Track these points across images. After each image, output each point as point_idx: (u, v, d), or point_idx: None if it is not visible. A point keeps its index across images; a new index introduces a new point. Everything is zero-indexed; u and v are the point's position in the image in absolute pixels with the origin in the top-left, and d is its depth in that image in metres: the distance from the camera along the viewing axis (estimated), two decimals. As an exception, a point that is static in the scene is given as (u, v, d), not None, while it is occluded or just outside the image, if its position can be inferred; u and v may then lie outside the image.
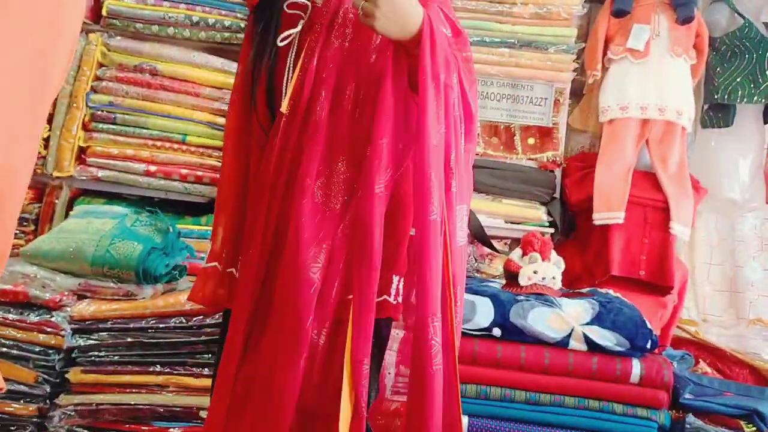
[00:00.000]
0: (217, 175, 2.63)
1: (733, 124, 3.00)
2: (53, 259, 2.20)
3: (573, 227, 2.97)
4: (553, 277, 2.38)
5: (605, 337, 2.14)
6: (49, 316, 2.09)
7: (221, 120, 2.65)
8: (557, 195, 2.88)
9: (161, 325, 2.09)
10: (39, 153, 2.61)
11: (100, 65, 2.67)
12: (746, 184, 3.10)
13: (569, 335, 2.15)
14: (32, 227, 2.61)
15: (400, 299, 1.47)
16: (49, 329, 2.07)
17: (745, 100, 2.94)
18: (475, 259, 2.79)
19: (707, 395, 2.27)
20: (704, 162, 3.08)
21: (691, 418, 2.16)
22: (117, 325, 2.09)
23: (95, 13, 2.69)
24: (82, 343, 2.07)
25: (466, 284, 2.35)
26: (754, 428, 2.20)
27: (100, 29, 2.68)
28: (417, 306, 1.36)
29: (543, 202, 2.84)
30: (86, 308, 2.10)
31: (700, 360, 2.71)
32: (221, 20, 2.64)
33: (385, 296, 1.44)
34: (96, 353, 2.08)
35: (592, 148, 3.04)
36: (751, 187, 3.12)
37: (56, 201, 2.62)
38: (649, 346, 2.16)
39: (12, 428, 2.05)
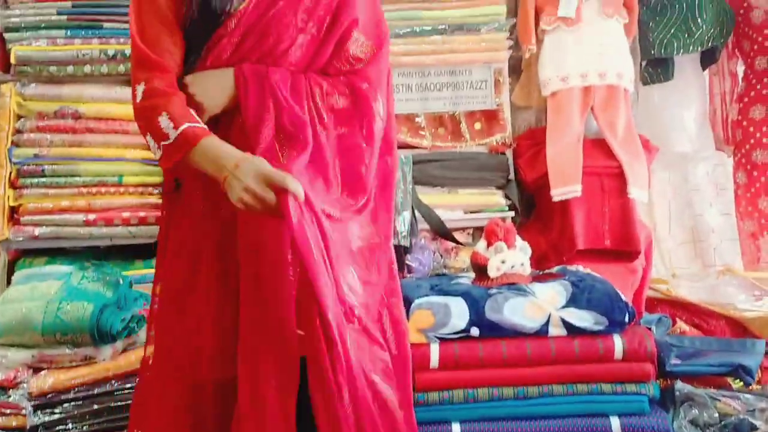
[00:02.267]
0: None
1: (674, 77, 2.99)
2: (1, 334, 2.07)
3: (533, 206, 2.94)
4: (522, 264, 2.34)
5: (583, 318, 2.11)
6: (6, 396, 1.97)
7: (156, 154, 2.52)
8: (512, 176, 2.83)
9: (127, 386, 1.98)
10: (-32, 220, 2.46)
11: (18, 117, 2.52)
12: (694, 134, 3.11)
13: (547, 322, 2.11)
14: (-26, 299, 2.46)
15: None
16: (8, 410, 1.95)
17: (681, 51, 2.94)
18: (441, 255, 2.74)
19: (691, 358, 2.27)
20: (650, 119, 3.08)
21: (679, 384, 2.15)
22: (80, 393, 1.98)
23: (3, 63, 2.53)
24: (47, 419, 1.96)
25: (437, 285, 2.31)
26: (741, 383, 2.20)
27: (11, 79, 2.52)
28: None
29: (499, 186, 2.79)
30: (44, 381, 1.98)
31: (677, 318, 2.71)
32: (139, 51, 2.50)
33: None
34: (62, 427, 1.97)
35: (538, 122, 3.00)
36: (699, 136, 3.13)
37: (-6, 268, 2.47)
38: (626, 319, 2.14)
39: None
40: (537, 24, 2.85)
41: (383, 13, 1.59)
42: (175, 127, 1.35)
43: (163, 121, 1.35)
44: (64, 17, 2.51)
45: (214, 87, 1.42)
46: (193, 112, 1.39)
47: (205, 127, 1.38)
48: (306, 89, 1.45)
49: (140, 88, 1.40)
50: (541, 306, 2.14)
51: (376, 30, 1.55)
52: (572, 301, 2.15)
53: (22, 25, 2.51)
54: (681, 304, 2.81)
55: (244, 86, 1.42)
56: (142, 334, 2.18)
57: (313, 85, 1.46)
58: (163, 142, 1.36)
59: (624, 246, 2.66)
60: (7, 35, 2.52)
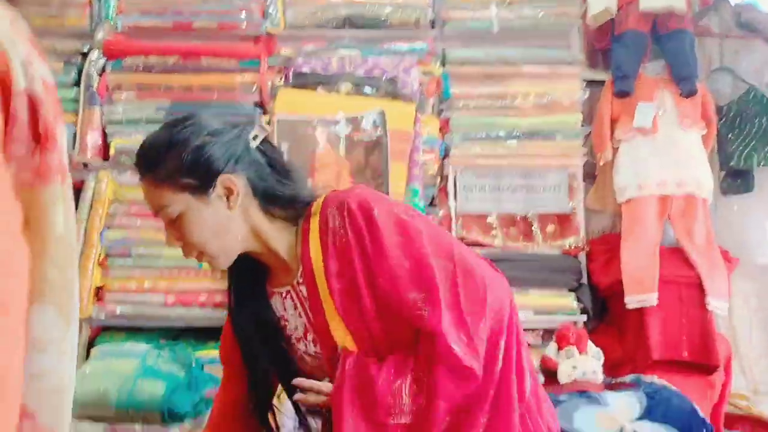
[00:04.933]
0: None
1: (754, 188, 2.95)
2: (77, 407, 2.13)
3: (606, 310, 2.88)
4: (594, 371, 2.27)
5: (658, 433, 2.02)
6: (74, 470, 2.01)
7: (236, 242, 2.63)
8: (584, 280, 2.80)
9: (191, 468, 2.00)
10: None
11: (112, 202, 2.68)
12: (776, 246, 3.01)
13: (619, 434, 2.03)
14: (54, 373, 2.55)
15: None
16: (76, 485, 1.99)
17: (762, 163, 2.90)
18: (509, 357, 2.68)
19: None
20: (730, 229, 3.02)
21: None
22: (145, 471, 2.00)
23: (103, 153, 2.73)
24: (111, 497, 1.98)
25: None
26: None
27: (109, 166, 2.71)
28: None
29: (571, 289, 2.76)
30: (112, 458, 2.03)
31: (759, 439, 2.56)
32: (228, 145, 2.66)
33: None
34: (125, 506, 1.99)
35: (613, 228, 2.98)
36: (782, 248, 3.03)
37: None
38: (704, 436, 2.04)
39: None
40: (612, 132, 2.89)
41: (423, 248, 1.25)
42: None
43: None
44: (163, 114, 2.70)
45: None
46: None
47: None
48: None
49: None
50: (613, 417, 2.07)
51: (428, 282, 1.23)
52: (647, 414, 2.07)
53: (124, 120, 2.72)
54: (763, 422, 2.66)
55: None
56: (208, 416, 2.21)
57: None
58: None
59: (703, 359, 2.56)
60: (109, 128, 2.73)
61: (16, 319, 0.73)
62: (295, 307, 1.33)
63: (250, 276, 1.36)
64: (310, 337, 1.32)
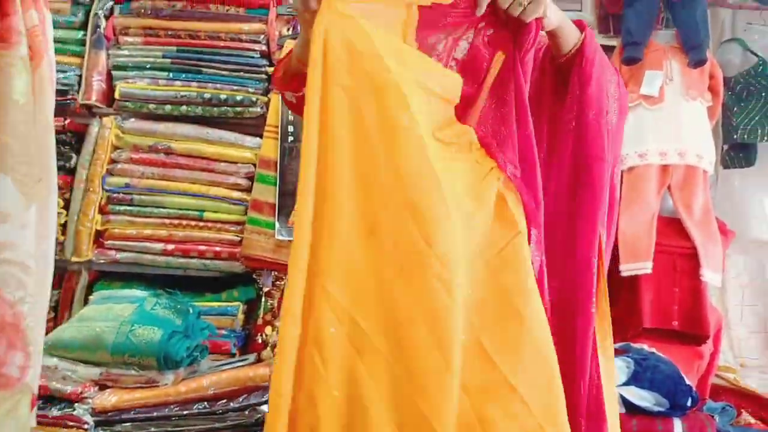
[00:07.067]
0: (235, 250, 2.63)
1: (756, 163, 2.95)
2: (74, 350, 2.16)
3: (599, 279, 2.90)
4: (584, 336, 2.31)
5: (643, 398, 2.07)
6: (71, 409, 2.05)
7: (236, 194, 2.65)
8: (581, 247, 2.81)
9: (185, 412, 2.04)
10: (57, 239, 2.61)
11: (115, 148, 2.69)
12: (774, 222, 3.02)
13: (605, 398, 2.07)
14: (52, 314, 2.59)
15: None
16: (71, 423, 2.02)
17: (765, 138, 2.88)
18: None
19: (755, 452, 2.17)
20: (729, 203, 3.02)
21: (740, 478, 2.06)
22: (140, 414, 2.04)
23: (107, 97, 2.73)
24: (106, 436, 2.03)
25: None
26: (808, 486, 2.09)
27: (113, 112, 2.71)
28: None
29: (567, 256, 2.77)
30: (108, 399, 2.06)
31: (743, 410, 2.60)
32: (233, 96, 2.66)
33: None
34: (120, 445, 2.03)
35: (612, 196, 2.99)
36: (780, 225, 3.04)
37: (75, 286, 2.61)
38: (689, 403, 2.09)
39: None
40: (618, 99, 2.87)
41: None
42: None
43: None
44: (168, 60, 2.69)
45: None
46: None
47: None
48: None
49: None
50: (600, 381, 2.10)
51: None
52: (633, 379, 2.11)
53: (129, 65, 2.71)
54: (748, 395, 2.70)
55: None
56: (204, 364, 2.25)
57: None
58: None
59: (693, 329, 2.59)
60: (114, 72, 2.72)
61: None
62: None
63: None
64: None
